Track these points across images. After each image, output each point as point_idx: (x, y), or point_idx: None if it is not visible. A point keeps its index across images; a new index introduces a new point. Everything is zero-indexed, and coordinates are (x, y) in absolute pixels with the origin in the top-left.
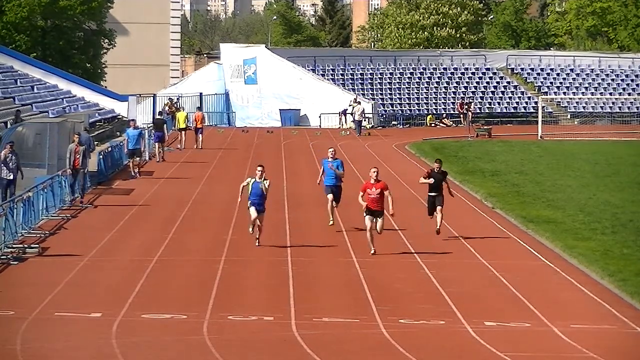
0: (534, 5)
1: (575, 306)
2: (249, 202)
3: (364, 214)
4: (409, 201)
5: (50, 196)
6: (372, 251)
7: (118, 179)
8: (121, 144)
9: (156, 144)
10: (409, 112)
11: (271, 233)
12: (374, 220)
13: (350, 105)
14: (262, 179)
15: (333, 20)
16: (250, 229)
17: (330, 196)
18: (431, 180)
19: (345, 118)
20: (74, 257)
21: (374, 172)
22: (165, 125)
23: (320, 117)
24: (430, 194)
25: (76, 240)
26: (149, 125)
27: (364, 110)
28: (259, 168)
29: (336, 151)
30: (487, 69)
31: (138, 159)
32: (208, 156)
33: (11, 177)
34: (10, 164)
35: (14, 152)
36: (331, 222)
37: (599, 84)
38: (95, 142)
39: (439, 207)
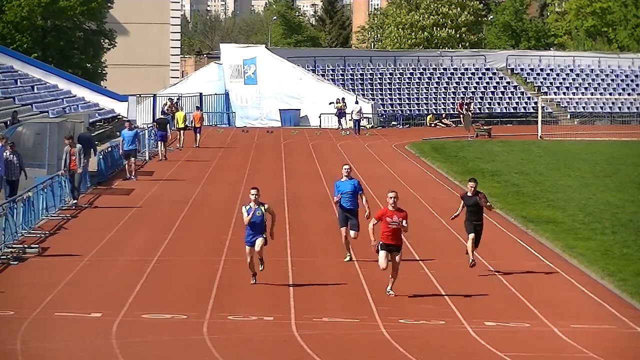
0: (534, 6)
1: (575, 306)
2: (246, 233)
3: (377, 248)
4: (409, 201)
5: (50, 196)
6: (389, 289)
7: (118, 179)
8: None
9: (159, 143)
10: (409, 112)
11: None
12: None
13: (330, 103)
14: (259, 204)
15: (333, 20)
16: (248, 260)
17: (343, 229)
18: (459, 211)
19: (344, 118)
20: (74, 257)
21: (393, 197)
22: (168, 124)
23: (320, 117)
24: (473, 221)
25: (76, 240)
26: (149, 125)
27: (361, 109)
28: (253, 191)
29: (351, 168)
30: (487, 69)
31: (133, 159)
32: (208, 156)
33: (13, 178)
34: (12, 165)
35: (16, 152)
36: (347, 258)
37: (598, 84)
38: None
39: (472, 236)
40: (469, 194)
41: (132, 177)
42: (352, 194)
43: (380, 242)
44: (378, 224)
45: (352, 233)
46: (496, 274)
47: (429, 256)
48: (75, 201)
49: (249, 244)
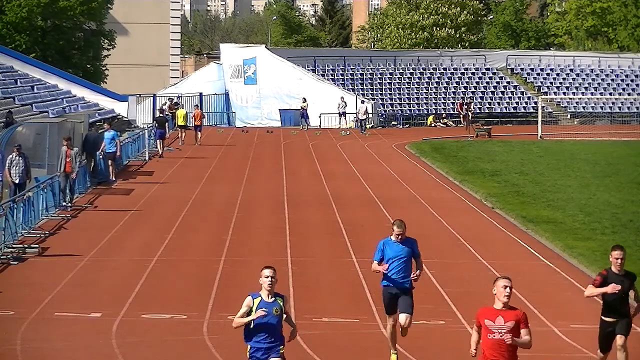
0: (534, 6)
1: (575, 306)
2: (250, 346)
3: None
4: (410, 202)
5: (50, 196)
6: None
7: (117, 179)
8: (121, 144)
9: (158, 141)
10: (409, 112)
11: (271, 233)
12: None
13: (304, 102)
14: (275, 295)
15: (333, 20)
16: None
17: (392, 318)
18: (611, 289)
19: (345, 118)
20: (74, 257)
21: (506, 288)
22: (167, 123)
23: (320, 117)
24: (607, 318)
25: (76, 240)
26: (149, 125)
27: (367, 109)
28: (267, 272)
29: (406, 225)
30: (487, 69)
31: (111, 162)
32: (208, 156)
33: (17, 181)
34: (17, 167)
35: (22, 155)
36: (394, 355)
37: (598, 84)
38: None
39: (621, 337)
40: (615, 270)
41: (111, 179)
42: (406, 261)
43: None
44: (478, 332)
45: (402, 318)
46: (496, 273)
47: (429, 256)
48: (71, 203)
49: None
